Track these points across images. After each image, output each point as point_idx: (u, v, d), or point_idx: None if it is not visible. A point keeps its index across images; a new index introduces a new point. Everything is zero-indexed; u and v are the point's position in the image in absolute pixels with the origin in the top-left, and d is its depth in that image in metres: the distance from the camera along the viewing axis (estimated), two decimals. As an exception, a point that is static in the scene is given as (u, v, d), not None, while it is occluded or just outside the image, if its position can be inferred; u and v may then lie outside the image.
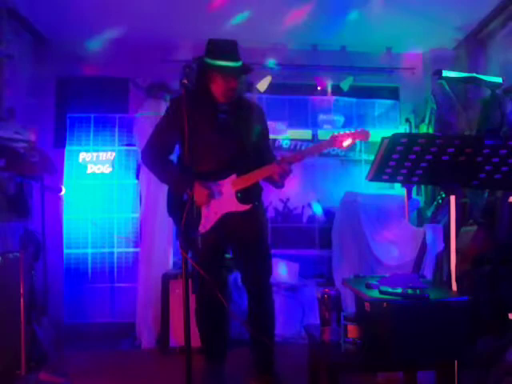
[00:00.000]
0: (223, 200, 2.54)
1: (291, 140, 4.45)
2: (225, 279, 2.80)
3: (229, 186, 2.54)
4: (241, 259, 2.75)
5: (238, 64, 2.51)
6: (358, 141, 2.58)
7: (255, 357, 2.74)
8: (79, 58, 4.19)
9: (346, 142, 2.51)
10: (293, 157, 2.57)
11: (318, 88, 4.49)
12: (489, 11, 3.70)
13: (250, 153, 2.62)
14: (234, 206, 2.54)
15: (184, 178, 2.47)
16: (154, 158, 2.66)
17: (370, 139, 4.43)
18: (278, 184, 2.64)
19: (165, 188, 2.74)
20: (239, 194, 2.54)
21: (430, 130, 4.11)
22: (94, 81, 4.39)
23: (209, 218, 2.55)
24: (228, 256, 2.85)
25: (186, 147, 2.20)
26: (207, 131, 2.53)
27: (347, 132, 2.54)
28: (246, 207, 2.56)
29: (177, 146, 2.70)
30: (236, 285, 3.63)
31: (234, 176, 2.55)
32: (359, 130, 2.55)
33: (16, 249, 3.06)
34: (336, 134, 2.55)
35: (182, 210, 2.25)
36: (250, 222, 2.62)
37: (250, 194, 2.58)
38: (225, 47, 2.51)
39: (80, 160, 4.33)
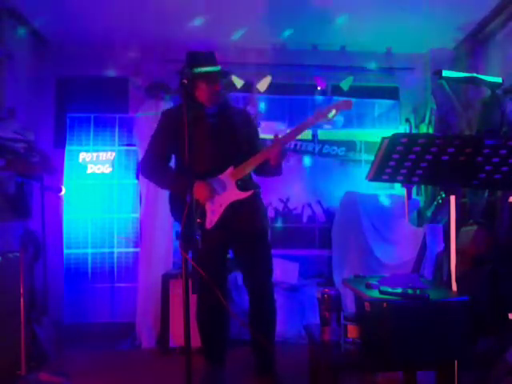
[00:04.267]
0: (225, 192, 2.63)
1: (291, 140, 4.45)
2: (225, 279, 2.81)
3: (228, 178, 2.64)
4: (242, 258, 2.77)
5: (218, 68, 2.66)
6: (342, 110, 2.69)
7: (256, 357, 2.75)
8: (79, 58, 4.20)
9: (331, 113, 2.63)
10: (285, 137, 2.67)
11: (318, 88, 4.49)
12: (489, 11, 3.70)
13: (242, 149, 2.70)
14: (236, 194, 2.63)
15: (184, 180, 2.48)
16: (152, 169, 2.75)
17: (370, 139, 4.45)
18: (276, 170, 2.71)
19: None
20: (239, 182, 2.64)
21: (430, 130, 4.11)
22: (94, 81, 4.39)
23: (215, 212, 2.62)
24: (228, 256, 2.85)
25: (182, 152, 2.23)
26: (199, 135, 2.59)
27: (330, 105, 2.69)
28: (247, 194, 2.65)
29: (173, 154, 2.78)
30: (236, 285, 3.64)
31: (231, 168, 2.64)
32: (341, 100, 2.69)
33: (16, 249, 3.06)
34: (320, 109, 2.69)
35: (190, 211, 2.27)
36: (252, 211, 2.69)
37: (248, 182, 2.71)
38: (203, 55, 2.65)
39: (80, 160, 4.33)
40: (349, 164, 4.54)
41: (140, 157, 4.06)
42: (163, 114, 2.79)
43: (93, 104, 4.35)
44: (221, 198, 2.63)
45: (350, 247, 4.03)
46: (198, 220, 2.58)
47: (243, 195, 2.64)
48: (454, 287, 2.02)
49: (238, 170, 2.64)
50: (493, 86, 3.35)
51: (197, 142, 2.56)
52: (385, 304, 1.86)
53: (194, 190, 2.51)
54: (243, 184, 2.65)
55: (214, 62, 2.66)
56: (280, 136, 2.65)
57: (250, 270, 2.74)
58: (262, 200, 2.83)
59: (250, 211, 2.69)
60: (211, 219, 2.62)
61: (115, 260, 4.30)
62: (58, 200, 4.15)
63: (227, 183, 2.63)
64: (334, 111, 2.62)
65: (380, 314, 1.88)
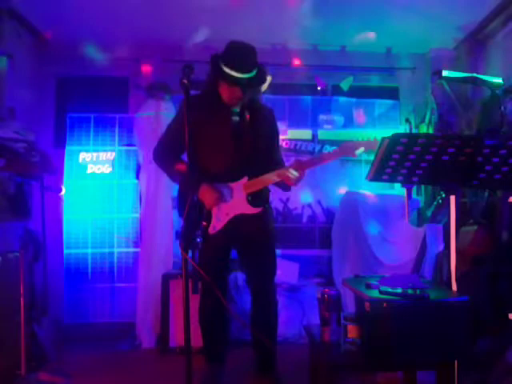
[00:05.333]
0: (234, 202, 2.54)
1: (291, 140, 4.46)
2: (226, 280, 2.80)
3: (240, 189, 2.53)
4: (247, 260, 2.74)
5: (247, 75, 2.43)
6: (370, 149, 2.38)
7: (257, 357, 2.74)
8: (79, 58, 4.19)
9: (359, 150, 2.38)
10: (308, 163, 2.49)
11: (318, 88, 4.49)
12: (489, 11, 3.70)
13: (261, 156, 2.59)
14: (245, 208, 2.54)
15: (192, 180, 2.42)
16: (165, 158, 2.64)
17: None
18: (287, 188, 2.64)
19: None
20: (250, 197, 2.53)
21: (430, 130, 4.11)
22: (93, 81, 4.39)
23: (220, 219, 2.55)
24: (230, 257, 2.84)
25: (193, 148, 2.14)
26: (220, 133, 2.51)
27: (359, 142, 2.39)
28: (257, 210, 2.56)
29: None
30: (236, 285, 3.64)
31: (245, 179, 2.53)
32: (370, 140, 2.37)
33: (16, 249, 3.06)
34: (350, 142, 2.43)
35: (192, 211, 2.25)
36: (259, 225, 2.61)
37: (260, 197, 2.58)
38: (239, 54, 2.45)
39: (80, 160, 4.32)
40: (349, 164, 4.54)
41: (140, 157, 4.08)
42: (184, 101, 2.58)
43: (93, 104, 4.35)
44: (228, 207, 2.53)
45: (350, 247, 4.03)
46: (204, 223, 2.50)
47: (252, 211, 2.53)
48: (454, 287, 2.02)
49: (252, 183, 2.52)
50: (493, 86, 3.35)
51: (216, 140, 2.50)
52: (385, 304, 1.86)
53: (199, 192, 2.48)
54: (254, 200, 2.54)
55: (246, 67, 2.42)
56: (302, 162, 2.48)
57: (255, 273, 2.71)
58: (271, 212, 2.75)
59: (257, 226, 2.59)
60: (215, 225, 2.55)
61: (115, 260, 4.30)
62: (58, 200, 4.15)
63: (238, 194, 2.53)
64: (362, 149, 2.36)
65: (380, 314, 1.88)
